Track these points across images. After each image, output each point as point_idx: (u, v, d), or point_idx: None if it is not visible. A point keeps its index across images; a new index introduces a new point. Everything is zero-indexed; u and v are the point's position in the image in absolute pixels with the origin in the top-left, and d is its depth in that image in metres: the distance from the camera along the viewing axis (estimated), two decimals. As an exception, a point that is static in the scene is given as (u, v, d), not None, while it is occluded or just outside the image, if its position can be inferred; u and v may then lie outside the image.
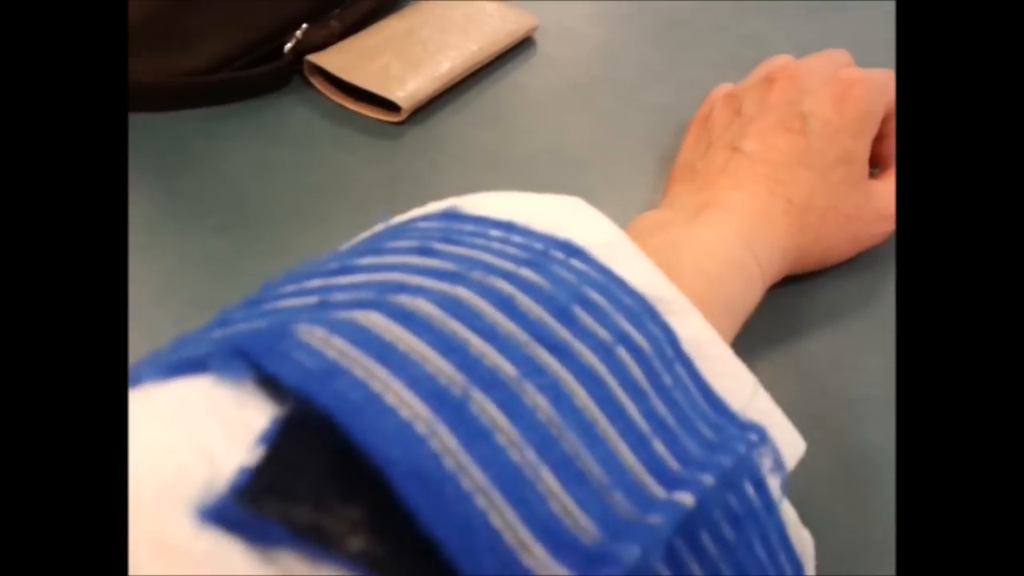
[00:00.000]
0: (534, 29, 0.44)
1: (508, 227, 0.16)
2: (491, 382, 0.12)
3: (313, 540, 0.10)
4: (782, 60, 0.33)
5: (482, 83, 0.41)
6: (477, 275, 0.14)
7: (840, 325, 0.29)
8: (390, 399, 0.11)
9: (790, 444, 0.17)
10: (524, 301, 0.14)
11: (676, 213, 0.27)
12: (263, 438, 0.10)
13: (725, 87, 0.35)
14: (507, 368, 0.12)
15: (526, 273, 0.14)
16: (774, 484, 0.15)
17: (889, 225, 0.31)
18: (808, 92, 0.30)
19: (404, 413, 0.11)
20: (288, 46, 0.39)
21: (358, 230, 0.19)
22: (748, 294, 0.25)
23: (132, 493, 0.10)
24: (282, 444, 0.10)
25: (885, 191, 0.31)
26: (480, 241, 0.16)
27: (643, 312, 0.15)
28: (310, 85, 0.39)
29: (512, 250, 0.15)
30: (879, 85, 0.31)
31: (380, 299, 0.13)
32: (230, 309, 0.15)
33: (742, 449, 0.15)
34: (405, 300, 0.13)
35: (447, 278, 0.14)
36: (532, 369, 0.12)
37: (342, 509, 0.10)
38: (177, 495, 0.10)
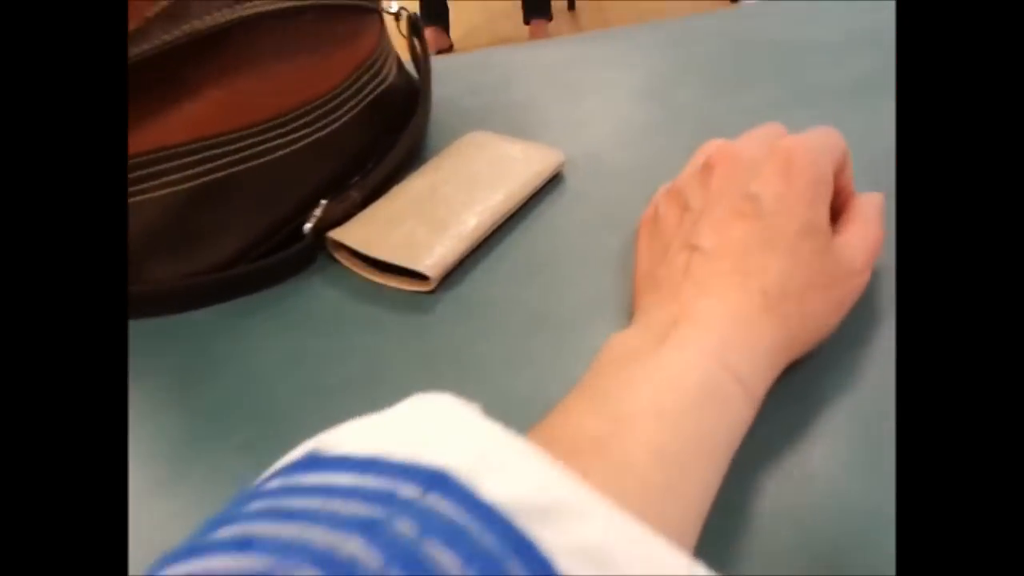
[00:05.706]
0: (561, 165, 0.42)
1: (365, 466, 0.16)
2: None
3: None
4: (716, 143, 0.32)
5: (514, 231, 0.38)
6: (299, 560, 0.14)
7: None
8: None
9: None
10: None
11: (644, 337, 0.25)
12: None
13: (666, 184, 0.33)
14: None
15: (351, 547, 0.14)
16: None
17: (864, 277, 0.29)
18: (751, 171, 0.28)
19: None
20: (308, 226, 0.37)
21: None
22: (726, 419, 0.23)
23: None
24: None
25: (850, 244, 0.29)
26: (318, 504, 0.15)
27: (506, 551, 0.14)
28: (336, 261, 0.37)
29: (353, 507, 0.15)
30: (821, 146, 0.29)
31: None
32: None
33: None
34: None
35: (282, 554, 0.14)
36: None
37: None
38: None
